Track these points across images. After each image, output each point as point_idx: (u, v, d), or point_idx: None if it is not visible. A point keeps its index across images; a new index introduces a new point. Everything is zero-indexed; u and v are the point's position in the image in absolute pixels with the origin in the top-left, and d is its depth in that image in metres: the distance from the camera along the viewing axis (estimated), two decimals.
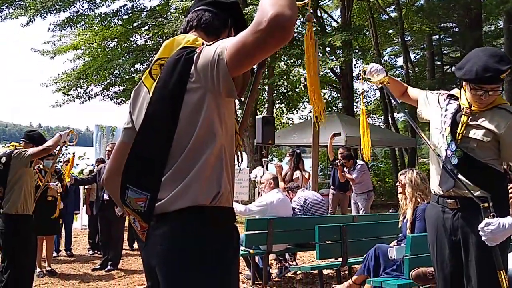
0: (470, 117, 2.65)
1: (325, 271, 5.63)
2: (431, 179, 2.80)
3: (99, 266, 6.54)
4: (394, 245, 4.41)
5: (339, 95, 21.05)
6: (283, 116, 22.97)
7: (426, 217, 2.89)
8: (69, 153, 14.24)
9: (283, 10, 1.32)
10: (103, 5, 16.79)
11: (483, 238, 2.43)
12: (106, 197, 6.05)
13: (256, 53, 1.40)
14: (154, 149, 1.53)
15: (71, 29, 17.23)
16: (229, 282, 1.53)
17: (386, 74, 2.96)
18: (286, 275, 5.96)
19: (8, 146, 4.39)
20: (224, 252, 1.52)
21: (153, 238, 1.55)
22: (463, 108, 2.68)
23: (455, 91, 2.84)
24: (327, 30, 17.43)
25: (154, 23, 15.73)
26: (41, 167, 6.29)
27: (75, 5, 16.20)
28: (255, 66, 1.76)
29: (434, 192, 2.78)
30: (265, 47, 1.37)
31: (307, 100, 21.08)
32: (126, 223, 7.11)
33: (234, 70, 1.44)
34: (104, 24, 16.81)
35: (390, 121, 19.00)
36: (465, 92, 2.70)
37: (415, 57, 22.41)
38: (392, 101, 3.23)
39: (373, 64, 2.99)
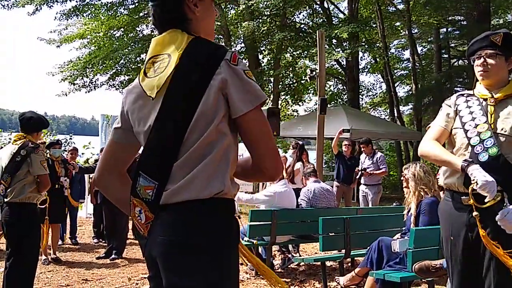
0: (494, 106, 2.59)
1: (328, 263, 5.65)
2: (447, 174, 2.68)
3: (103, 255, 6.59)
4: (397, 238, 4.41)
5: (344, 87, 20.97)
6: (288, 108, 22.95)
7: (439, 212, 2.81)
8: (74, 143, 14.34)
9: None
10: None
11: (502, 227, 2.38)
12: None
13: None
14: (167, 140, 1.55)
15: (78, 18, 17.24)
16: (229, 273, 1.54)
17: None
18: (289, 266, 5.99)
19: (19, 137, 4.31)
20: (223, 243, 1.53)
21: (154, 228, 1.57)
22: (486, 98, 2.64)
23: (465, 92, 2.80)
24: (333, 22, 17.35)
25: None
26: (48, 156, 6.33)
27: None
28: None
29: (449, 188, 2.69)
30: None
31: (312, 92, 21.05)
32: None
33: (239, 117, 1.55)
34: (110, 13, 16.81)
35: (395, 114, 18.93)
36: (479, 83, 2.69)
37: (422, 50, 22.29)
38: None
39: (485, 178, 2.36)
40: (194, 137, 1.52)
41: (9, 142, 4.58)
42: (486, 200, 2.39)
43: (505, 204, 2.41)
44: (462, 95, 2.76)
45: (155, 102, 1.59)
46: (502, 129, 2.54)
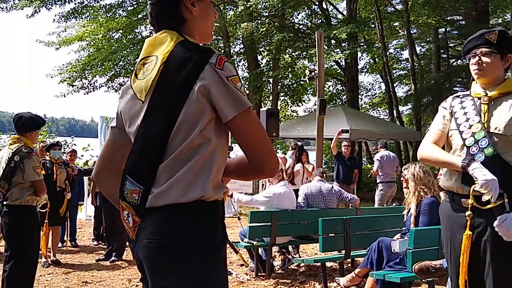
0: (488, 105, 2.57)
1: (328, 264, 5.64)
2: (447, 176, 2.67)
3: (103, 257, 6.58)
4: (397, 238, 4.41)
5: (343, 87, 20.98)
6: (288, 109, 22.96)
7: (440, 213, 2.80)
8: (74, 144, 14.34)
9: None
10: None
11: (500, 233, 2.37)
12: None
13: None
14: (151, 143, 1.56)
15: (76, 20, 17.25)
16: (213, 275, 1.54)
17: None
18: (289, 267, 5.98)
19: (14, 140, 4.27)
20: (206, 245, 1.53)
21: (139, 232, 1.59)
22: (480, 97, 2.62)
23: (461, 93, 2.79)
24: (332, 23, 17.36)
25: None
26: (47, 158, 6.33)
27: None
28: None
29: (449, 190, 2.67)
30: None
31: (311, 92, 21.06)
32: None
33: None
34: (109, 15, 16.82)
35: (395, 114, 18.95)
36: (475, 82, 2.68)
37: (421, 50, 22.32)
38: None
39: (485, 177, 2.34)
40: (178, 141, 1.52)
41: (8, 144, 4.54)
42: (491, 200, 2.36)
43: (505, 210, 2.40)
44: (458, 96, 2.75)
45: (143, 106, 1.61)
46: (496, 128, 2.52)
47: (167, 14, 1.66)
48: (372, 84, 25.28)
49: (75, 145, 14.34)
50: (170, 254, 1.50)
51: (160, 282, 1.53)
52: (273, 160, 1.60)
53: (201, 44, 1.66)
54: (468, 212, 2.48)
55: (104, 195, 1.92)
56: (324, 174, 6.59)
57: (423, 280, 4.55)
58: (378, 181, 9.42)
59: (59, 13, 16.71)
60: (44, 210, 5.12)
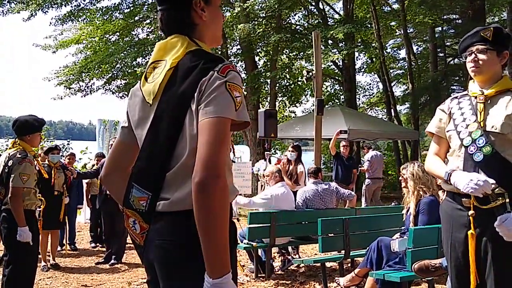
0: (484, 103, 2.57)
1: (327, 264, 5.64)
2: None
3: (103, 260, 6.57)
4: (397, 238, 4.41)
5: (341, 87, 20.99)
6: (286, 109, 22.96)
7: (441, 213, 2.79)
8: (71, 148, 14.30)
9: None
10: None
11: (500, 233, 2.38)
12: None
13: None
14: (159, 150, 1.57)
15: (73, 23, 17.22)
16: None
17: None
18: (289, 268, 5.98)
19: (13, 144, 4.23)
20: None
21: (150, 234, 1.59)
22: (476, 96, 2.62)
23: (459, 94, 2.80)
24: (329, 23, 17.37)
25: (156, 17, 15.67)
26: (46, 162, 6.31)
27: None
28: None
29: (451, 190, 2.66)
30: None
31: (309, 93, 21.06)
32: None
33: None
34: (105, 18, 16.78)
35: (392, 114, 18.95)
36: (473, 81, 2.68)
37: (417, 49, 22.32)
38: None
39: (463, 184, 2.42)
40: (184, 148, 1.52)
41: (6, 149, 4.51)
42: (491, 199, 2.39)
43: (506, 209, 2.41)
44: (456, 97, 2.75)
45: (151, 109, 1.62)
46: (492, 127, 2.52)
47: (177, 20, 1.66)
48: (370, 84, 25.38)
49: (71, 148, 14.30)
50: (185, 254, 1.51)
51: (172, 283, 1.53)
52: (208, 172, 1.41)
53: (211, 52, 1.66)
54: (471, 212, 2.49)
55: (111, 196, 1.91)
56: (320, 173, 6.54)
57: (423, 279, 4.56)
58: (367, 176, 10.48)
59: (55, 16, 16.67)
60: (39, 209, 5.04)
